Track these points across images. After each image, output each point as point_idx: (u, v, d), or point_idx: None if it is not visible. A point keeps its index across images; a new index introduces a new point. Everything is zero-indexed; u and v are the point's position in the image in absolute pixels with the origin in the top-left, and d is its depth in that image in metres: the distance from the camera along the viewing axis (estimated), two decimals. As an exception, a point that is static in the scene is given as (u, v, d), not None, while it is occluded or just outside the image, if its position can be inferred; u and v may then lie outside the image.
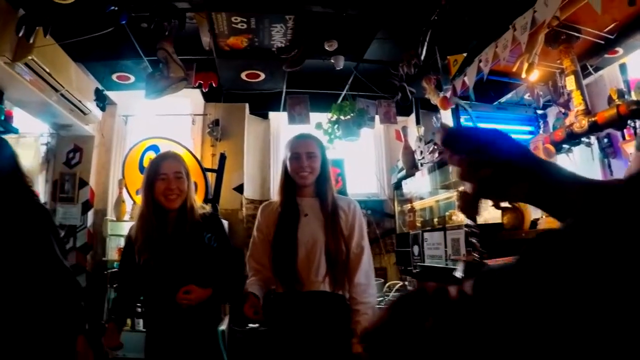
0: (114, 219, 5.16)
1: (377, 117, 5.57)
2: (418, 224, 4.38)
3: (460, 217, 3.61)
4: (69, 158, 5.28)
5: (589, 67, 3.54)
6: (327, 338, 2.20)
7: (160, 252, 2.31)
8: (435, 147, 3.69)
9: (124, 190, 4.84)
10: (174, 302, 2.19)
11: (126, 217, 5.07)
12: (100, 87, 4.99)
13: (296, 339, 2.22)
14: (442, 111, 4.34)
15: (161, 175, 2.34)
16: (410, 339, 0.61)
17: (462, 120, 3.58)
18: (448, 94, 3.78)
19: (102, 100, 4.93)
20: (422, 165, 4.25)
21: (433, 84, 4.11)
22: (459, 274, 2.40)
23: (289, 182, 2.40)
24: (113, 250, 5.05)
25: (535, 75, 3.32)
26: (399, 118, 5.86)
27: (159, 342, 2.34)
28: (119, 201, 5.14)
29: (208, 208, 2.56)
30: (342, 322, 2.24)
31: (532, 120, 4.17)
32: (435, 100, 4.04)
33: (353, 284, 2.28)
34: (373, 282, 2.36)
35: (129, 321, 3.74)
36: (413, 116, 5.50)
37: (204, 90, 5.02)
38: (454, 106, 3.62)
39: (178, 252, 2.31)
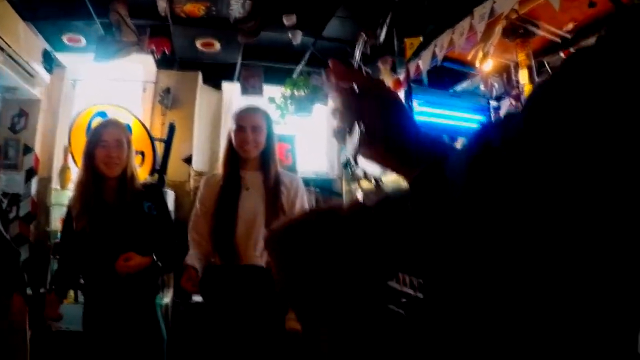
0: (59, 187, 4.96)
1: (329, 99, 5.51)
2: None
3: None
4: (14, 123, 4.98)
5: (546, 64, 3.64)
6: (261, 312, 2.22)
7: (98, 219, 2.28)
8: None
9: (70, 158, 4.66)
10: (113, 271, 2.17)
11: (71, 185, 4.84)
12: (49, 49, 4.72)
13: (230, 312, 2.24)
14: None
15: (102, 142, 2.30)
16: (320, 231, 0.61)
17: (415, 104, 3.61)
18: (402, 77, 3.79)
19: (49, 63, 4.68)
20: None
21: (389, 65, 4.12)
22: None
23: (233, 155, 2.39)
24: (57, 220, 4.83)
25: (489, 66, 3.38)
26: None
27: (96, 313, 2.33)
28: (64, 169, 4.93)
29: (152, 179, 2.59)
30: (277, 298, 2.25)
31: (485, 110, 4.25)
32: (389, 82, 4.05)
33: None
34: None
35: (72, 293, 3.64)
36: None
37: (156, 57, 4.84)
38: (406, 88, 3.64)
39: (116, 220, 2.29)
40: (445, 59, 3.29)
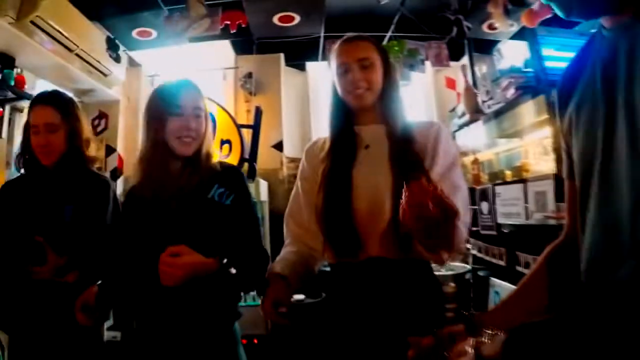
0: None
1: (427, 63, 5.04)
2: (484, 178, 3.84)
3: (545, 166, 3.06)
4: (95, 125, 4.91)
5: None
6: (407, 327, 1.35)
7: (162, 211, 1.64)
8: (513, 79, 3.06)
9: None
10: (157, 280, 1.44)
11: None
12: (112, 35, 4.50)
13: (360, 341, 1.53)
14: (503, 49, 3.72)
15: (177, 109, 1.66)
16: None
17: (543, 52, 2.94)
18: (536, 5, 3.09)
19: (114, 50, 4.44)
20: (489, 107, 3.64)
21: (501, 7, 3.47)
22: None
23: (341, 108, 1.71)
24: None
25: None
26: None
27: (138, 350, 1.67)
28: (149, 167, 4.73)
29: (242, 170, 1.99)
30: (428, 302, 1.56)
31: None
32: (503, 26, 3.42)
33: None
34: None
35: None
36: (464, 61, 4.92)
37: (231, 31, 4.42)
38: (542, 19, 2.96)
39: (175, 211, 1.63)
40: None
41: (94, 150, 2.20)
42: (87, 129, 2.15)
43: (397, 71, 1.80)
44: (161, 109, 1.67)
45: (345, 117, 1.71)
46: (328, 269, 1.72)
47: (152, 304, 1.59)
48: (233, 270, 1.49)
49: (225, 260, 1.50)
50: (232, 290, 1.71)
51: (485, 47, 4.99)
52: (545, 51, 2.98)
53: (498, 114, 3.49)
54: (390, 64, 1.72)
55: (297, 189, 1.80)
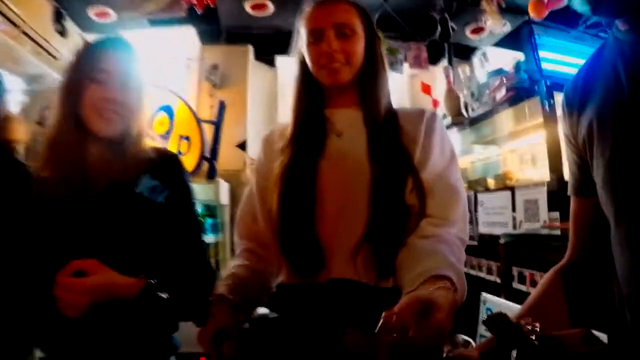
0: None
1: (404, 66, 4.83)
2: (464, 185, 3.60)
3: (533, 174, 2.84)
4: (43, 117, 4.42)
5: None
6: None
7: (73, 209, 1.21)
8: (505, 80, 2.81)
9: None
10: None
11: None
12: (60, 8, 4.03)
13: None
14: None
15: (99, 73, 1.24)
16: None
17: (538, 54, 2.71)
18: None
19: (61, 23, 3.97)
20: (473, 110, 3.40)
21: (495, 4, 3.21)
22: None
23: (309, 86, 1.32)
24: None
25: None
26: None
27: None
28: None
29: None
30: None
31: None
32: (496, 24, 3.18)
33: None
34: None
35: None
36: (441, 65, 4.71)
37: (198, 12, 4.01)
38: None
39: (92, 211, 1.20)
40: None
41: (17, 132, 1.76)
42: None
43: (383, 45, 1.40)
44: (79, 73, 1.26)
45: (314, 97, 1.32)
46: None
47: (55, 337, 1.17)
48: (164, 295, 1.10)
49: (153, 281, 1.11)
50: (164, 319, 1.28)
51: (465, 53, 4.87)
52: (541, 53, 2.76)
53: (479, 119, 3.26)
54: (376, 35, 1.32)
55: (252, 187, 1.40)
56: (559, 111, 2.72)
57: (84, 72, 1.26)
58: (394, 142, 1.22)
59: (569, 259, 1.13)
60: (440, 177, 1.20)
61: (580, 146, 1.02)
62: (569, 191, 1.10)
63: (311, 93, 1.32)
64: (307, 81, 1.32)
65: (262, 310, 1.20)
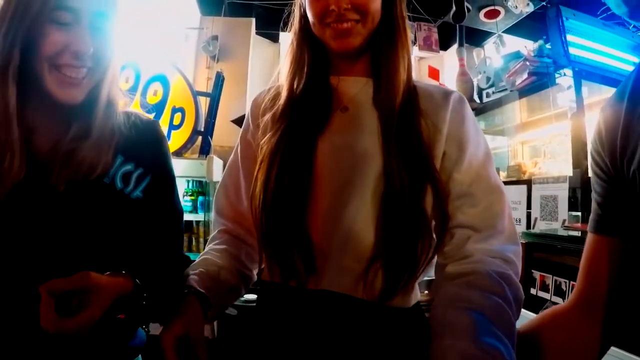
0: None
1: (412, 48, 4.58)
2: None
3: (551, 168, 2.64)
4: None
5: None
6: None
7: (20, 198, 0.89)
8: (528, 63, 2.60)
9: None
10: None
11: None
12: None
13: None
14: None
15: (57, 14, 0.86)
16: None
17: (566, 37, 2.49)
18: None
19: None
20: (487, 95, 3.20)
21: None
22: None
23: (311, 50, 1.03)
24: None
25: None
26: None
27: None
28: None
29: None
30: None
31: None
32: (521, 4, 2.96)
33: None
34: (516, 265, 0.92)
35: None
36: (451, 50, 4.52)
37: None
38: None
39: (56, 202, 0.91)
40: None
41: None
42: None
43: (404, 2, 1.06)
44: (35, 9, 0.86)
45: (317, 63, 1.03)
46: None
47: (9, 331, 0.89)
48: (144, 299, 0.86)
49: (138, 281, 0.86)
50: (138, 321, 1.03)
51: (475, 38, 4.66)
52: (568, 37, 2.54)
53: (492, 106, 3.07)
54: None
55: (237, 157, 1.13)
56: (588, 102, 2.54)
57: (42, 10, 0.86)
58: (412, 125, 0.95)
59: (574, 302, 0.93)
60: (480, 177, 0.95)
61: (616, 172, 0.80)
62: (588, 227, 0.89)
63: (313, 59, 1.04)
64: (307, 45, 1.04)
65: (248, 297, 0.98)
